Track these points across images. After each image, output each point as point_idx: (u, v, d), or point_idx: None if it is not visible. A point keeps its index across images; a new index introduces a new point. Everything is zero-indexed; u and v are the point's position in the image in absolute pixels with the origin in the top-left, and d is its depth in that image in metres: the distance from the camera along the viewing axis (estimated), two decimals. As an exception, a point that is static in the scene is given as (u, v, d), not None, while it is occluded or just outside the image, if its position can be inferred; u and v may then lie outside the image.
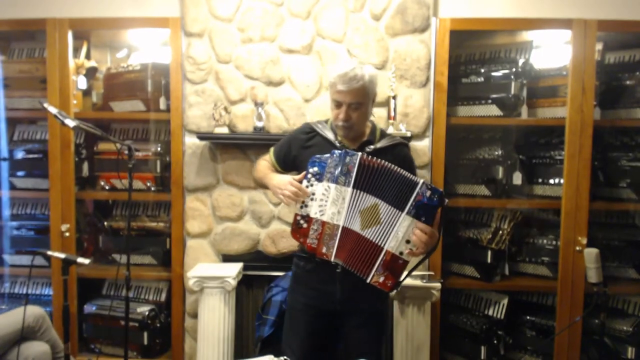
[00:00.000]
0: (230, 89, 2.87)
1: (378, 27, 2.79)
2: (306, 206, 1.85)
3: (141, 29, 3.15)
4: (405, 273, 1.78)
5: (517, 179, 2.98)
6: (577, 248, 2.79)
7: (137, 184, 3.03)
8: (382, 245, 1.75)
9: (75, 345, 3.03)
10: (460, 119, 2.98)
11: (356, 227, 1.78)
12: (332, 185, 1.80)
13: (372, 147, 1.93)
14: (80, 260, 2.18)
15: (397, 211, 1.73)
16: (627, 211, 3.02)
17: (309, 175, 1.85)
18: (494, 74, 2.92)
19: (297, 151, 2.01)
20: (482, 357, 2.89)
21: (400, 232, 1.73)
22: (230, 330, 2.72)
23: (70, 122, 2.14)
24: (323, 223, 1.81)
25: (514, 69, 2.88)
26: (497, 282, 2.96)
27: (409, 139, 2.73)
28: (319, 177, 1.83)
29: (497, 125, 3.03)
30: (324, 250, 1.82)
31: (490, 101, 2.90)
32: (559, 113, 2.88)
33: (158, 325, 3.07)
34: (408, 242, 1.74)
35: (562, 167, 2.83)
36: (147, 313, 3.01)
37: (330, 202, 1.80)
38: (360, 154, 1.78)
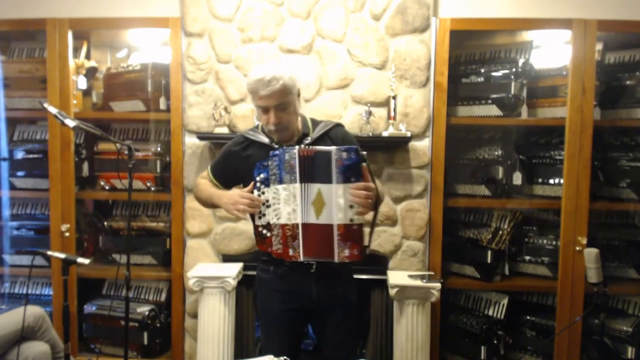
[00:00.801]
0: (230, 89, 2.87)
1: (378, 27, 2.79)
2: (263, 215, 1.82)
3: (141, 29, 3.15)
4: (367, 236, 1.79)
5: (517, 179, 2.98)
6: (577, 248, 2.79)
7: (137, 184, 3.02)
8: (331, 222, 1.75)
9: (75, 345, 3.03)
10: (460, 119, 2.98)
11: (312, 219, 1.77)
12: (280, 187, 1.78)
13: (309, 138, 1.90)
14: (80, 260, 2.18)
15: (329, 185, 1.74)
16: (627, 211, 3.02)
17: (258, 184, 1.83)
18: (494, 74, 2.92)
19: (236, 164, 1.96)
20: (482, 357, 2.89)
21: (340, 201, 1.74)
22: (230, 330, 2.72)
23: (70, 122, 2.13)
24: (282, 226, 1.79)
25: (514, 69, 2.88)
26: (497, 282, 2.96)
27: (409, 138, 2.73)
28: (267, 183, 1.81)
29: (497, 125, 3.03)
30: (290, 253, 1.79)
31: (490, 101, 2.90)
32: (559, 113, 2.88)
33: (158, 325, 3.07)
34: (352, 207, 1.75)
35: (562, 167, 2.83)
36: (147, 313, 3.01)
37: (283, 203, 1.78)
38: (297, 147, 1.77)
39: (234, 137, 2.04)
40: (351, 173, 1.73)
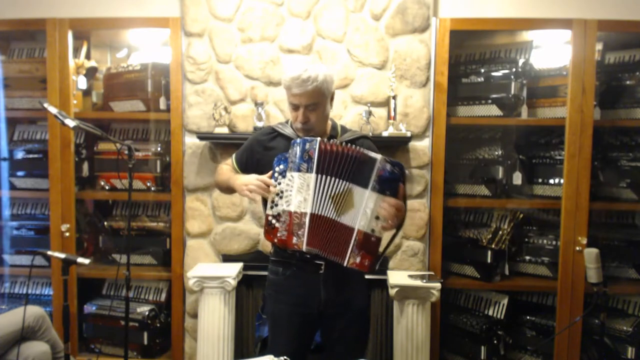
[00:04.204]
0: (230, 89, 2.87)
1: (378, 27, 2.80)
2: (276, 205, 1.82)
3: (141, 29, 3.16)
4: (380, 251, 1.78)
5: (517, 179, 2.98)
6: (577, 248, 2.79)
7: (137, 184, 3.03)
8: (353, 225, 1.74)
9: (75, 345, 3.03)
10: (460, 119, 2.98)
11: (330, 213, 1.76)
12: (295, 174, 1.77)
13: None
14: (80, 260, 2.18)
15: (363, 189, 1.74)
16: (627, 211, 3.02)
17: (276, 174, 1.83)
18: (494, 74, 2.92)
19: (260, 153, 1.98)
20: (482, 357, 2.89)
21: (368, 209, 1.73)
22: (230, 330, 2.72)
23: (70, 122, 2.13)
24: (290, 213, 1.77)
25: (514, 69, 2.88)
26: (497, 282, 2.96)
27: (409, 139, 2.73)
28: (285, 174, 1.81)
29: (497, 125, 3.04)
30: (294, 240, 1.77)
31: (490, 101, 2.90)
32: (559, 113, 2.89)
33: (158, 325, 3.07)
34: (377, 218, 1.74)
35: (562, 167, 2.83)
36: (147, 313, 3.01)
37: (296, 190, 1.77)
38: (318, 138, 1.77)
39: (260, 129, 2.06)
40: (388, 186, 1.73)
